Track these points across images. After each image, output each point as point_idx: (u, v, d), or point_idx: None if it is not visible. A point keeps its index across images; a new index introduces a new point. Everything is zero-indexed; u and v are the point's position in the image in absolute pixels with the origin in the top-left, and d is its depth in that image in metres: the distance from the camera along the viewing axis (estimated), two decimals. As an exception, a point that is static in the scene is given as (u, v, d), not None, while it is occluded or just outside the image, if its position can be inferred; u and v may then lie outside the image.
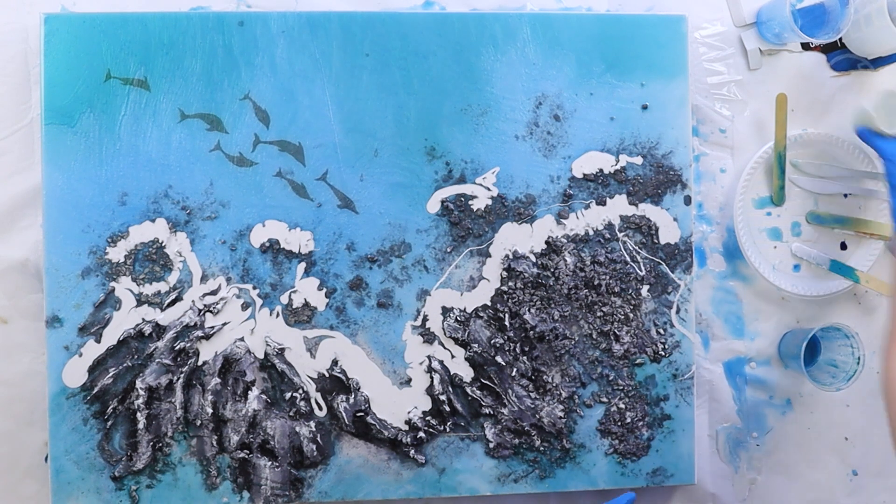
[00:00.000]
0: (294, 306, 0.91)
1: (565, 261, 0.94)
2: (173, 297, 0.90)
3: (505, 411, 0.93)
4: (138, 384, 0.89)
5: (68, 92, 0.89)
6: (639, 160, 0.95)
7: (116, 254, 0.89)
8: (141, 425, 0.89)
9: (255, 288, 0.91)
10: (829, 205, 1.01)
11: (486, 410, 0.93)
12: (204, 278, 0.91)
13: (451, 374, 0.93)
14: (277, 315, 0.91)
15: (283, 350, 0.91)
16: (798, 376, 0.99)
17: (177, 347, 0.90)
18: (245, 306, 0.91)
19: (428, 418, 0.92)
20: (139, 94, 0.90)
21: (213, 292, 0.91)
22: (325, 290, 0.92)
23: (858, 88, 1.01)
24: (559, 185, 0.94)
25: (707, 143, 1.00)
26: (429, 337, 0.93)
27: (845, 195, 1.01)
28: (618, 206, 0.95)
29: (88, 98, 0.89)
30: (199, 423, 0.90)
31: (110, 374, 0.89)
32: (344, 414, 0.91)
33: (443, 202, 0.93)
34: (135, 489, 0.89)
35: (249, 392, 0.91)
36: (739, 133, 1.00)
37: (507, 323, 0.93)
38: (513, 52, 0.94)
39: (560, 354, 0.94)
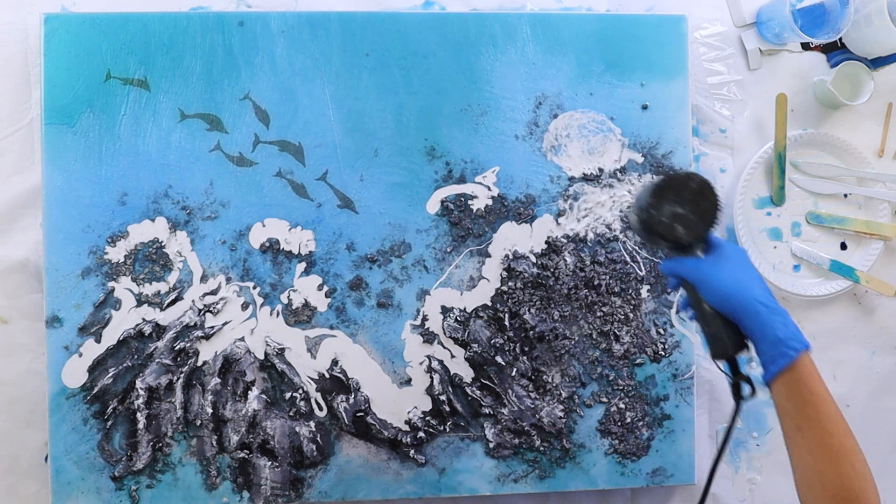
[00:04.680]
0: (294, 306, 0.91)
1: (565, 261, 0.94)
2: (173, 296, 0.90)
3: (505, 411, 0.93)
4: (138, 384, 0.89)
5: (68, 92, 0.89)
6: (639, 157, 0.95)
7: (116, 254, 0.89)
8: (141, 425, 0.89)
9: (255, 287, 0.91)
10: (829, 205, 1.01)
11: (486, 410, 0.93)
12: (204, 278, 0.91)
13: (451, 374, 0.93)
14: (278, 315, 0.91)
15: (283, 350, 0.91)
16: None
17: (177, 347, 0.90)
18: (245, 306, 0.91)
19: (428, 418, 0.92)
20: (139, 94, 0.90)
21: (213, 292, 0.91)
22: (325, 289, 0.92)
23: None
24: (559, 184, 0.94)
25: (707, 143, 1.00)
26: (429, 337, 0.93)
27: (845, 195, 1.01)
28: (618, 206, 0.95)
29: (88, 98, 0.89)
30: (199, 423, 0.90)
31: (110, 374, 0.89)
32: (344, 414, 0.91)
33: (443, 202, 0.93)
34: (135, 489, 0.89)
35: (249, 392, 0.90)
36: (739, 133, 1.00)
37: (507, 323, 0.93)
38: (513, 51, 0.94)
39: (560, 354, 0.94)
